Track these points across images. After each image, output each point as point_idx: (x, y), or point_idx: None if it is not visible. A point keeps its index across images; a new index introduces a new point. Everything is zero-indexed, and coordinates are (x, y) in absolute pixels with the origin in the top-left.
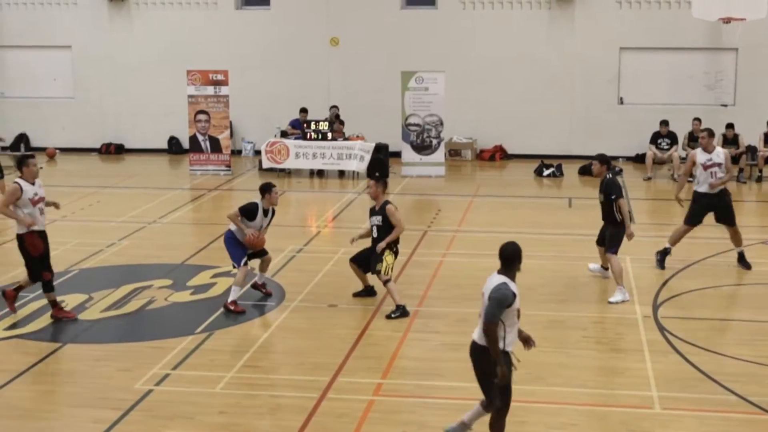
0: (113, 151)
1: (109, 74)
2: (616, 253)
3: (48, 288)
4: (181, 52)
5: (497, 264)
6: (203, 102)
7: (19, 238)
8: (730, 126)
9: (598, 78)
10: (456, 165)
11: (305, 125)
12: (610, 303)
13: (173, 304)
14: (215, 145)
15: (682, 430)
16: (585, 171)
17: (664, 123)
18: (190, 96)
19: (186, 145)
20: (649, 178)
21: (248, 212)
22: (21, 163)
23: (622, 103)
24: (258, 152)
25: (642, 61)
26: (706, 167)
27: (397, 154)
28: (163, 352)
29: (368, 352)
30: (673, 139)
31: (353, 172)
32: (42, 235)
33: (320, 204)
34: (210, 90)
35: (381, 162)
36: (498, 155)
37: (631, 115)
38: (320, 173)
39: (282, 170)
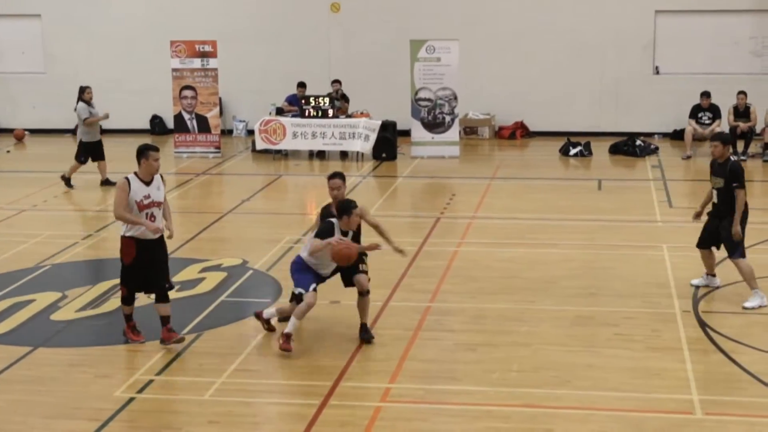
0: None
1: (83, 46)
2: (743, 255)
3: (125, 301)
4: (164, 21)
5: (518, 254)
6: (189, 76)
7: (121, 239)
8: (741, 93)
9: (631, 45)
10: (472, 144)
11: (303, 101)
12: (745, 308)
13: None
14: (203, 125)
15: None
16: (616, 149)
17: (706, 95)
18: (174, 70)
19: (170, 124)
20: (689, 157)
21: (325, 234)
22: (140, 154)
23: (657, 72)
24: (251, 132)
25: (680, 25)
26: None
27: (406, 133)
28: (145, 356)
29: (375, 354)
30: (715, 112)
31: (357, 153)
32: (144, 245)
33: (321, 189)
34: (197, 63)
35: (388, 141)
36: (519, 133)
37: (668, 87)
38: (321, 155)
39: (278, 152)
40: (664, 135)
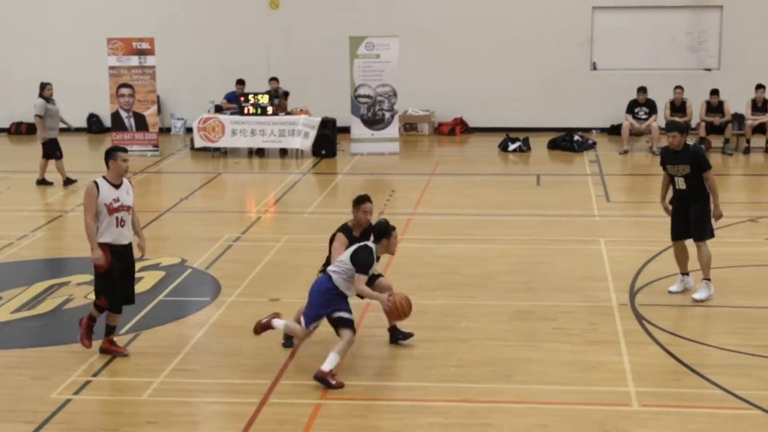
0: (24, 131)
1: (17, 43)
2: (713, 235)
3: (103, 310)
4: (100, 19)
5: (457, 250)
6: (126, 74)
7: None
8: (714, 92)
9: (569, 42)
10: (411, 140)
11: (242, 98)
12: (695, 300)
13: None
14: (141, 123)
15: (662, 429)
16: (555, 145)
17: (642, 90)
18: (111, 68)
19: (107, 123)
20: (626, 152)
21: (366, 265)
22: (108, 156)
23: (595, 68)
24: (189, 130)
25: (617, 21)
26: None
27: (346, 130)
28: (82, 357)
29: (314, 351)
30: (651, 107)
31: (297, 150)
32: (117, 252)
33: (260, 186)
34: (134, 60)
35: (328, 138)
36: (458, 129)
37: (606, 82)
38: (260, 152)
39: (217, 149)
40: (602, 130)
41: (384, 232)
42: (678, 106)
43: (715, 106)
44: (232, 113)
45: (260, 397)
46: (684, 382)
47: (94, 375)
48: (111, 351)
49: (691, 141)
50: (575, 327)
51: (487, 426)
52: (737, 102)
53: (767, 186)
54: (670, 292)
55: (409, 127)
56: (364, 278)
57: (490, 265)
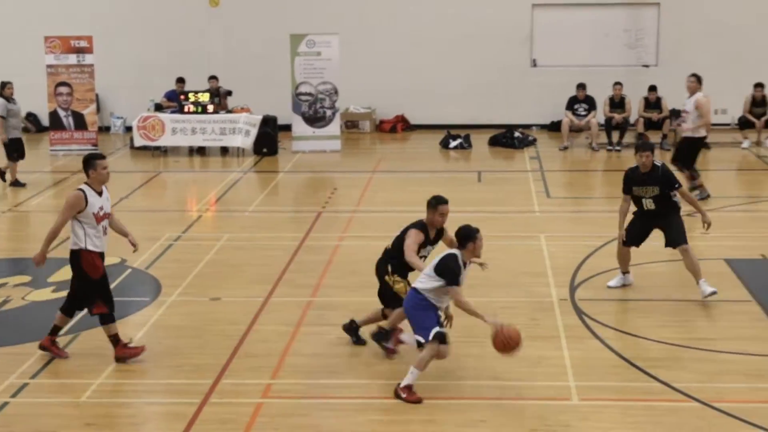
0: None
1: None
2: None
3: (106, 319)
4: (37, 16)
5: None
6: (64, 73)
7: (75, 254)
8: (652, 88)
9: (509, 39)
10: (353, 138)
11: (182, 97)
12: (705, 298)
13: (31, 304)
14: (79, 122)
15: (602, 422)
16: (495, 141)
17: (581, 86)
18: (48, 66)
19: (45, 122)
20: (566, 148)
21: (455, 276)
22: (87, 165)
23: (535, 65)
24: (129, 128)
25: (556, 18)
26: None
27: (287, 128)
28: (20, 359)
29: (255, 350)
30: (591, 104)
31: (238, 148)
32: (102, 258)
33: (201, 185)
34: (72, 59)
35: (269, 136)
36: (400, 126)
37: (546, 79)
38: (201, 151)
39: (157, 148)
40: (542, 127)
41: (468, 236)
42: (617, 102)
43: (653, 102)
44: (172, 112)
45: (201, 397)
46: (623, 376)
47: (33, 377)
48: (51, 351)
49: (658, 162)
50: (516, 322)
51: (429, 422)
52: (675, 98)
53: (705, 181)
54: (609, 287)
55: (351, 124)
56: (459, 290)
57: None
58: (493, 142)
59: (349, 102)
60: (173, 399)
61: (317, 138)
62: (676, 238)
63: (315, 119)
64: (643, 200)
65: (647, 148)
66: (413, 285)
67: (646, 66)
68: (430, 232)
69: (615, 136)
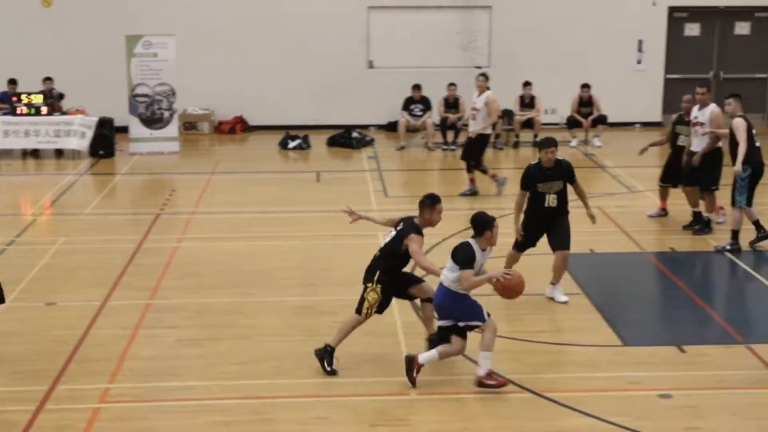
0: None
1: None
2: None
3: None
4: None
5: (239, 247)
6: None
7: None
8: None
9: (347, 40)
10: (192, 139)
11: (15, 98)
12: (549, 299)
13: None
14: None
15: (438, 415)
16: (334, 142)
17: (417, 87)
18: None
19: None
20: (403, 147)
21: (469, 262)
22: None
23: (372, 67)
24: None
25: (392, 21)
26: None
27: (124, 129)
28: None
29: (93, 354)
30: (426, 104)
31: (73, 150)
32: None
33: (35, 188)
34: None
35: (106, 138)
36: (238, 127)
37: (382, 80)
38: (35, 153)
39: None
40: (379, 127)
41: (485, 223)
42: (451, 103)
43: None
44: (4, 114)
45: (36, 404)
46: (459, 369)
47: None
48: None
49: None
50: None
51: (268, 421)
52: (506, 98)
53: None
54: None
55: (189, 125)
56: (471, 272)
57: (271, 261)
58: (332, 142)
59: (187, 103)
60: (6, 407)
61: (155, 140)
62: (563, 241)
63: (152, 121)
64: (547, 196)
65: (551, 143)
66: (442, 282)
67: (479, 67)
68: (420, 226)
69: (450, 135)
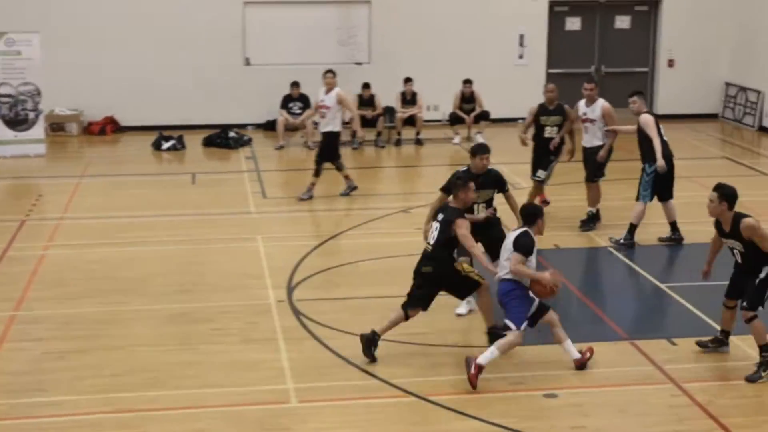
0: None
1: None
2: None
3: None
4: None
5: (110, 254)
6: None
7: None
8: (366, 86)
9: (221, 37)
10: (59, 141)
11: None
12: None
13: None
14: None
15: (321, 423)
16: (210, 142)
17: (295, 85)
18: None
19: None
20: (282, 147)
21: (527, 248)
22: None
23: (248, 64)
24: None
25: (268, 16)
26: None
27: None
28: None
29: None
30: (305, 102)
31: None
32: None
33: None
34: None
35: None
36: (109, 128)
37: (259, 78)
38: None
39: None
40: (257, 126)
41: (536, 213)
42: (367, 100)
43: (366, 100)
44: None
45: None
46: (342, 375)
47: None
48: None
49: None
50: (233, 327)
51: None
52: (388, 95)
53: (418, 177)
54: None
55: (56, 127)
56: (521, 258)
57: (145, 267)
58: (208, 142)
59: (54, 104)
60: None
61: (19, 142)
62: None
63: (16, 122)
64: (476, 206)
65: (487, 150)
66: (500, 276)
67: (359, 64)
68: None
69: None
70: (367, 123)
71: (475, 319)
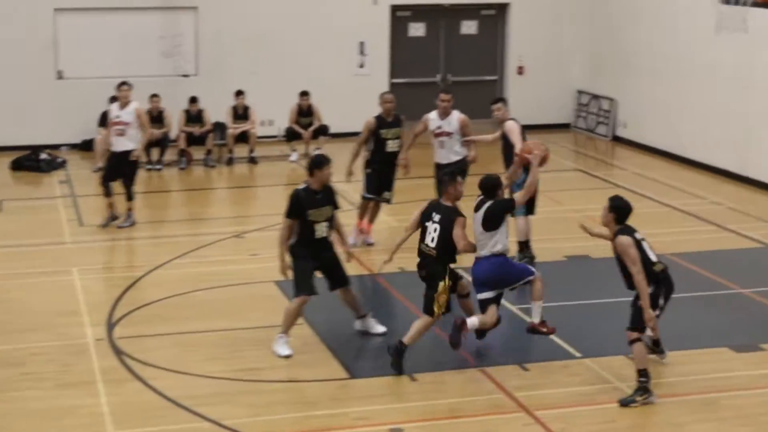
0: None
1: None
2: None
3: None
4: None
5: None
6: None
7: None
8: (193, 100)
9: (29, 48)
10: None
11: None
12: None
13: None
14: None
15: None
16: (19, 165)
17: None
18: None
19: None
20: (100, 169)
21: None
22: None
23: (61, 77)
24: None
25: (84, 25)
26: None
27: None
28: None
29: None
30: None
31: None
32: None
33: None
34: None
35: None
36: None
37: (74, 92)
38: None
39: None
40: (73, 146)
41: (499, 185)
42: (155, 116)
43: (194, 115)
44: None
45: None
46: (169, 418)
47: None
48: None
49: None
50: (46, 370)
51: None
52: (218, 110)
53: (252, 198)
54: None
55: None
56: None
57: None
58: (16, 166)
59: None
60: None
61: None
62: (344, 275)
63: None
64: (316, 226)
65: (329, 160)
66: (482, 255)
67: (186, 76)
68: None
69: (155, 153)
70: (196, 140)
71: (314, 350)
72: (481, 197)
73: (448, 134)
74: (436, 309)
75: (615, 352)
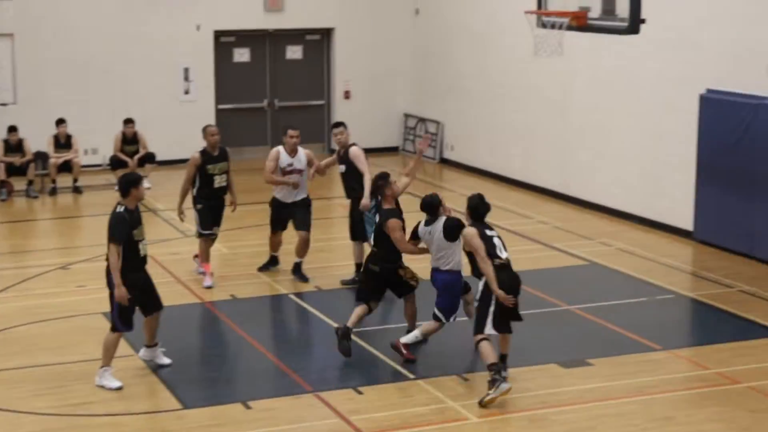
0: None
1: None
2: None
3: None
4: None
5: None
6: None
7: None
8: (13, 129)
9: None
10: None
11: None
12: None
13: None
14: None
15: None
16: None
17: None
18: None
19: None
20: None
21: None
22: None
23: None
24: None
25: None
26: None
27: None
28: None
29: None
30: None
31: None
32: None
33: None
34: None
35: None
36: None
37: None
38: None
39: None
40: None
41: (437, 203)
42: (15, 146)
43: (14, 145)
44: None
45: None
46: None
47: None
48: None
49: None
50: None
51: None
52: (39, 139)
53: (78, 229)
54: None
55: None
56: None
57: None
58: None
59: None
60: None
61: None
62: (157, 303)
63: None
64: (142, 245)
65: (141, 178)
66: (446, 269)
67: (4, 104)
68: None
69: None
70: (16, 171)
71: (145, 381)
72: (428, 218)
73: (299, 171)
74: (413, 283)
75: (449, 372)
